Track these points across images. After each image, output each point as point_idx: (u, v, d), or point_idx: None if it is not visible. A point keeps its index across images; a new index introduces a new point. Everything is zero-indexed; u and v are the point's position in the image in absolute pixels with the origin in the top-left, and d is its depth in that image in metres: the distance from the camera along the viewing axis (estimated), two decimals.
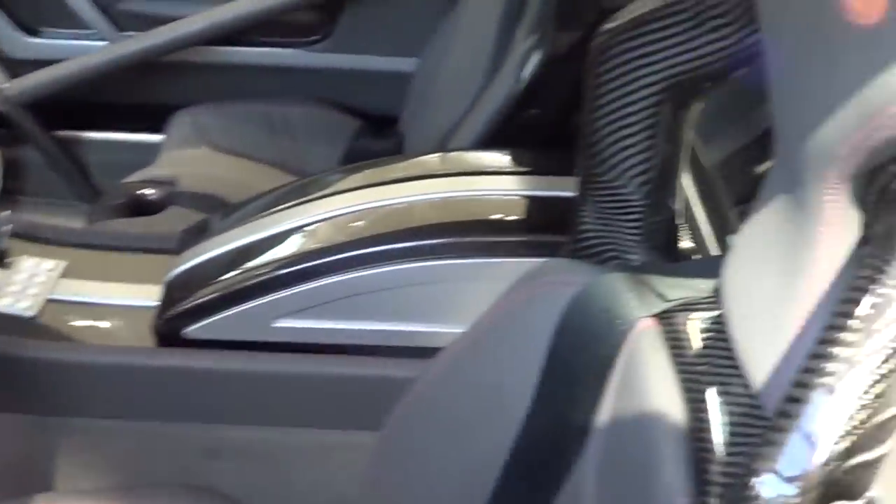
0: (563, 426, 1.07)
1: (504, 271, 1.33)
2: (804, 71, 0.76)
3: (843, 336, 0.63)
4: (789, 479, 0.61)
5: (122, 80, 2.69)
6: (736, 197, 1.51)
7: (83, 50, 2.68)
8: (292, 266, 1.63)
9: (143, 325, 1.73)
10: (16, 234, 1.88)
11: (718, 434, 0.85)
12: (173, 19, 2.62)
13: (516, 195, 1.69)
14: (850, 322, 0.63)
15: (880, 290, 0.62)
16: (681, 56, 1.05)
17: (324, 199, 1.75)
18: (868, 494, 0.69)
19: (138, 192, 2.45)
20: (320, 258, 1.62)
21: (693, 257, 1.40)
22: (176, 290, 1.72)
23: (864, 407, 0.61)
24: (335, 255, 1.62)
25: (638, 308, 1.02)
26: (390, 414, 1.36)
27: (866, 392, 0.61)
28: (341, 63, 2.69)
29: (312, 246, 1.66)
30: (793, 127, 0.78)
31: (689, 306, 1.00)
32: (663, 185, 1.14)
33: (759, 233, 0.86)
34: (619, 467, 0.97)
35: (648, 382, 0.95)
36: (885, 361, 0.61)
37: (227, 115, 2.67)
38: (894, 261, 0.62)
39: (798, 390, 0.65)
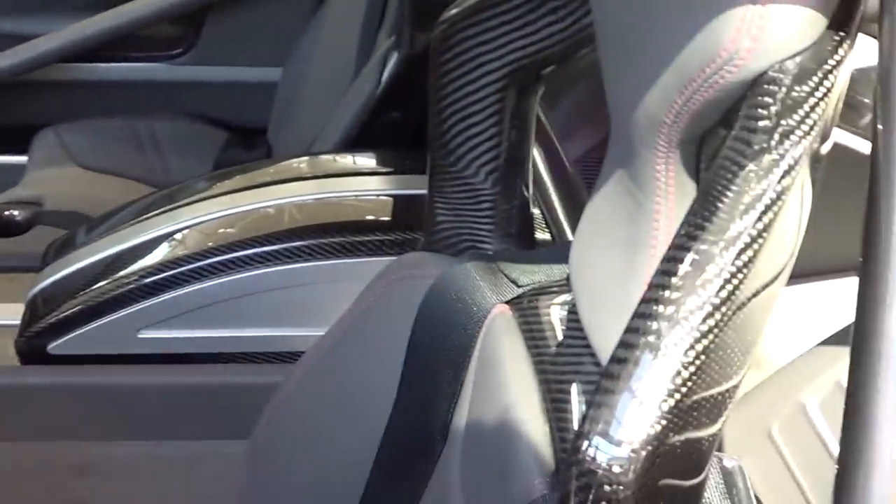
0: (427, 418, 1.07)
1: (368, 270, 1.34)
2: (626, 43, 0.77)
3: (665, 294, 0.63)
4: (619, 443, 0.61)
5: None
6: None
7: None
8: (157, 275, 1.62)
9: (4, 343, 1.70)
10: None
11: (574, 411, 0.86)
12: (33, 37, 2.58)
13: (380, 195, 1.70)
14: (671, 280, 0.63)
15: (699, 247, 0.63)
16: (521, 41, 1.05)
17: (191, 206, 1.75)
18: (705, 472, 0.70)
19: (4, 213, 2.42)
20: (185, 265, 1.61)
21: (548, 241, 1.41)
22: (39, 306, 1.70)
23: (688, 366, 0.61)
24: (200, 261, 1.61)
25: (492, 295, 1.02)
26: (257, 422, 1.36)
27: (690, 349, 0.62)
28: (206, 75, 2.69)
29: (178, 253, 1.65)
30: (621, 99, 0.78)
31: (542, 291, 1.01)
32: (513, 172, 1.14)
33: (600, 211, 0.87)
34: (481, 451, 0.97)
35: (504, 367, 0.96)
36: (707, 318, 0.62)
37: (92, 132, 2.64)
38: (714, 217, 0.63)
39: (622, 350, 0.65)
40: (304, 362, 1.30)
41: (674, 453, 0.64)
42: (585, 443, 0.62)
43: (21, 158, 2.65)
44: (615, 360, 0.63)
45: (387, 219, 1.66)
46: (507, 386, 0.94)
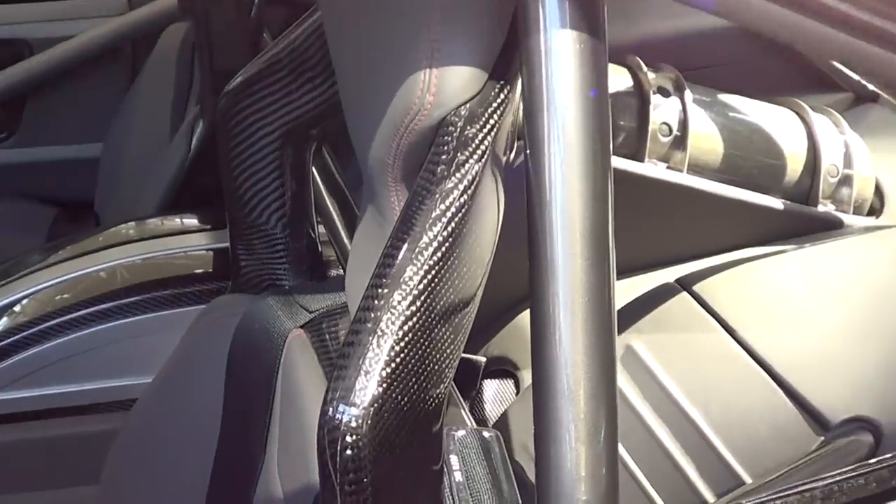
0: (247, 438, 1.24)
1: (191, 318, 1.49)
2: (355, 103, 0.96)
3: (378, 291, 0.81)
4: (354, 404, 0.79)
5: None
6: None
7: None
8: (1, 340, 1.74)
9: None
10: None
11: None
12: None
13: (199, 250, 1.84)
14: (382, 280, 0.81)
15: (400, 254, 0.81)
16: (288, 107, 1.24)
17: (28, 276, 1.85)
18: (441, 418, 0.88)
19: None
20: (26, 329, 1.73)
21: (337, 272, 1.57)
22: None
23: (399, 342, 0.79)
24: (43, 323, 1.73)
25: (288, 321, 1.20)
26: (104, 467, 1.50)
27: (399, 329, 0.80)
28: (30, 156, 2.77)
29: (20, 320, 1.76)
30: (359, 149, 0.97)
31: (329, 313, 1.20)
32: (299, 216, 1.31)
33: (360, 241, 1.04)
34: (292, 452, 1.14)
35: (302, 380, 1.14)
36: (410, 305, 0.80)
37: None
38: (410, 230, 0.81)
39: (352, 336, 0.81)
40: (138, 408, 1.45)
41: (400, 411, 0.82)
42: (330, 409, 0.80)
43: None
44: (347, 343, 0.81)
45: (208, 270, 1.81)
46: (305, 394, 1.12)
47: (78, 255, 1.89)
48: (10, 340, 1.74)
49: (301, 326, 1.19)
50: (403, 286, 0.80)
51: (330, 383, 0.80)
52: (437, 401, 0.85)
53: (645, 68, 1.50)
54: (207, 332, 1.33)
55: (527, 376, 1.51)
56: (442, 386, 0.85)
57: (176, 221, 1.96)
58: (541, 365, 0.82)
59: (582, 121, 0.77)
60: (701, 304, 1.36)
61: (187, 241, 1.88)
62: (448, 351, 0.84)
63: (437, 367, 0.83)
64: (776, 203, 1.52)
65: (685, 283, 1.39)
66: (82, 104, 2.75)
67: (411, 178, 0.90)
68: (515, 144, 0.92)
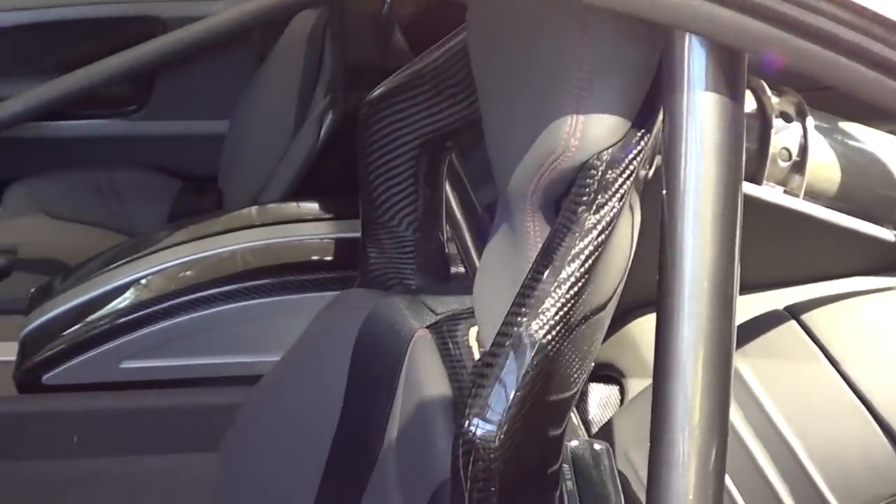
0: (367, 425, 1.30)
1: (315, 305, 1.55)
2: (499, 133, 1.02)
3: (518, 319, 0.87)
4: (489, 420, 0.86)
5: None
6: None
7: None
8: (132, 314, 1.82)
9: (4, 377, 1.89)
10: None
11: None
12: (2, 99, 2.73)
13: (323, 238, 1.91)
14: (522, 309, 0.88)
15: (540, 286, 0.88)
16: (427, 119, 1.29)
17: (153, 255, 1.94)
18: (565, 423, 0.95)
19: None
20: (156, 304, 1.82)
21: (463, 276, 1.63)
22: (29, 345, 1.89)
23: (533, 368, 0.86)
24: (169, 301, 1.81)
25: (414, 321, 1.26)
26: (224, 436, 1.57)
27: (535, 356, 0.86)
28: (159, 129, 2.85)
29: (149, 295, 1.85)
30: (499, 173, 1.03)
31: (454, 317, 1.26)
32: (430, 221, 1.37)
33: (492, 254, 1.10)
34: (409, 448, 1.20)
35: (425, 379, 1.19)
36: (546, 335, 0.86)
37: (58, 184, 2.81)
38: (550, 264, 0.88)
39: (490, 357, 0.88)
40: (263, 385, 1.51)
41: (530, 429, 0.89)
42: (467, 422, 0.87)
43: None
44: (486, 364, 0.88)
45: (329, 259, 1.87)
46: (427, 394, 1.17)
47: (202, 237, 1.97)
48: (138, 314, 1.82)
49: (426, 327, 1.25)
50: (541, 316, 0.86)
51: (468, 399, 0.87)
52: (562, 418, 0.92)
53: (769, 92, 1.53)
54: (335, 322, 1.39)
55: (633, 384, 1.56)
56: (569, 406, 0.92)
57: (300, 208, 2.04)
58: (662, 381, 0.87)
59: (717, 176, 0.83)
60: (808, 334, 1.39)
61: (310, 228, 1.95)
62: (577, 374, 0.91)
63: (566, 390, 0.90)
64: (888, 235, 1.54)
65: (794, 312, 1.43)
66: (211, 82, 2.81)
67: (548, 207, 0.96)
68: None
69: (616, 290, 0.94)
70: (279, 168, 2.19)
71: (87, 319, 1.87)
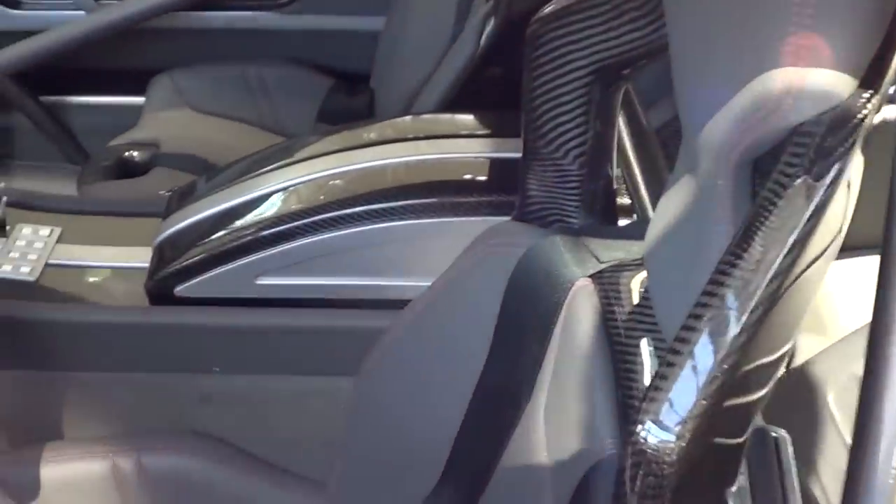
0: (514, 376, 1.20)
1: (466, 229, 1.46)
2: (693, 71, 0.89)
3: (721, 289, 0.76)
4: (669, 428, 0.74)
5: (103, 46, 2.74)
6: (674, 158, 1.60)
7: (62, 20, 2.75)
8: (273, 227, 1.73)
9: (135, 284, 1.83)
10: (12, 204, 1.99)
11: (643, 381, 0.99)
12: None
13: (478, 157, 1.80)
14: (733, 269, 0.76)
15: (756, 247, 0.75)
16: (604, 44, 1.17)
17: (301, 163, 1.85)
18: (749, 431, 0.84)
19: (125, 154, 2.55)
20: (299, 220, 1.72)
21: (631, 219, 1.52)
22: (165, 252, 1.83)
23: (721, 372, 0.74)
24: (313, 216, 1.71)
25: (576, 269, 1.15)
26: (364, 361, 1.49)
27: (746, 321, 0.74)
28: (312, 24, 2.76)
29: (291, 208, 1.76)
30: (689, 116, 0.91)
31: (620, 267, 1.13)
32: (599, 156, 1.26)
33: (671, 204, 0.99)
34: (560, 412, 1.10)
35: (584, 336, 1.08)
36: (752, 312, 0.74)
37: (204, 77, 2.76)
38: (749, 247, 0.76)
39: (686, 333, 0.77)
40: (408, 312, 1.43)
41: (719, 419, 0.78)
42: (640, 427, 0.76)
43: (138, 100, 2.79)
44: (668, 364, 0.77)
45: (485, 180, 1.76)
46: (585, 353, 1.07)
47: (353, 147, 1.87)
48: (280, 228, 1.73)
49: (589, 276, 1.14)
50: (733, 312, 0.75)
51: (648, 393, 0.75)
52: (747, 425, 0.81)
53: None
54: (488, 258, 1.29)
55: (804, 342, 1.45)
56: (757, 409, 0.80)
57: (456, 122, 1.93)
58: (875, 376, 0.78)
59: None
60: None
61: (466, 145, 1.84)
62: (771, 372, 0.79)
63: (757, 390, 0.79)
64: None
65: None
66: None
67: (746, 164, 0.84)
68: None
69: (839, 232, 0.82)
70: (435, 75, 2.09)
71: (227, 229, 1.79)
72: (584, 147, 1.25)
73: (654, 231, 1.02)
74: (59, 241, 1.95)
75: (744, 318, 0.75)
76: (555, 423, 1.11)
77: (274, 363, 1.76)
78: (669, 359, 0.76)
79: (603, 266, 1.15)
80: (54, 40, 2.73)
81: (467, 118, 1.92)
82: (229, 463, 1.69)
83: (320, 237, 1.71)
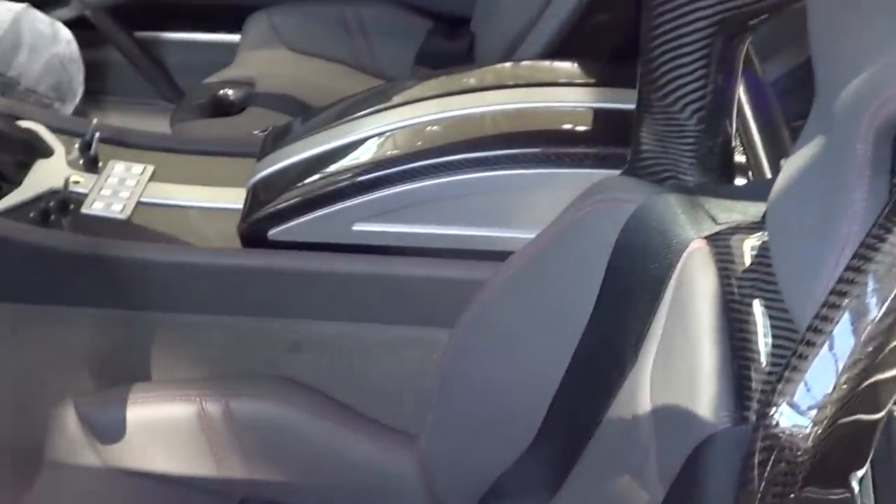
0: (619, 336, 1.17)
1: (570, 181, 1.42)
2: (828, 28, 0.84)
3: (868, 266, 0.71)
4: (804, 412, 0.69)
5: None
6: (793, 114, 1.55)
7: None
8: (370, 173, 1.69)
9: (228, 226, 1.80)
10: (105, 140, 1.97)
11: (760, 352, 0.94)
12: None
13: (584, 106, 1.74)
14: (875, 254, 0.71)
15: (871, 255, 0.70)
16: None
17: (399, 108, 1.81)
18: (885, 410, 0.78)
19: (219, 92, 2.53)
20: (397, 166, 1.68)
21: (747, 178, 1.46)
22: (259, 194, 1.79)
23: (887, 329, 0.69)
24: (411, 162, 1.67)
25: (691, 229, 1.10)
26: (459, 313, 1.45)
27: (886, 316, 0.69)
28: None
29: (389, 153, 1.72)
30: (826, 77, 0.85)
31: (738, 229, 1.08)
32: (718, 112, 1.21)
33: (800, 168, 0.93)
34: (669, 378, 1.06)
35: (698, 300, 1.03)
36: (891, 312, 0.69)
37: (301, 15, 2.73)
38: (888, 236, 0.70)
39: (828, 310, 0.72)
40: (509, 264, 1.38)
41: (858, 401, 0.73)
42: (774, 409, 0.71)
43: (233, 38, 2.76)
44: (807, 342, 0.71)
45: (591, 131, 1.70)
46: (699, 319, 1.02)
47: (452, 93, 1.83)
48: (377, 174, 1.69)
49: (704, 237, 1.09)
50: (879, 292, 0.69)
51: (777, 383, 0.70)
52: (883, 410, 0.75)
53: None
54: (597, 212, 1.23)
55: None
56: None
57: (561, 70, 1.87)
58: None
59: None
60: None
61: (570, 94, 1.78)
62: None
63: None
64: None
65: None
66: None
67: (888, 135, 0.79)
68: None
69: None
70: (540, 20, 2.03)
71: (322, 173, 1.75)
72: (702, 101, 1.20)
73: (778, 192, 0.97)
74: (151, 179, 1.93)
75: (891, 299, 0.69)
76: (662, 390, 1.07)
77: (367, 312, 1.74)
78: (808, 337, 0.71)
79: (720, 228, 1.10)
80: None
81: (572, 67, 1.86)
82: (318, 411, 1.66)
83: (419, 184, 1.67)
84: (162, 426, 1.67)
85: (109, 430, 1.66)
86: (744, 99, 1.40)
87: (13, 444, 1.85)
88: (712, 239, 1.08)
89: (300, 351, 1.76)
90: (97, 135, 1.92)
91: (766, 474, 0.72)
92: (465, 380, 1.48)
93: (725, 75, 1.18)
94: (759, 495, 0.73)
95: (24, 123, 1.97)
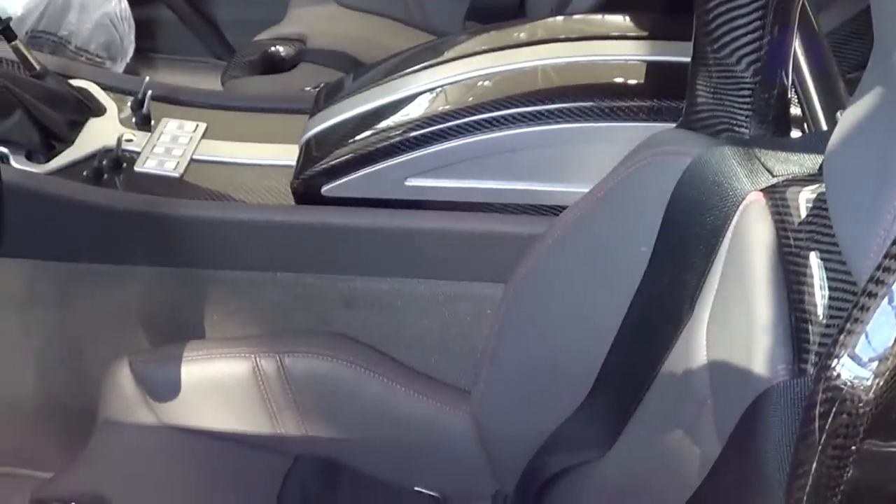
0: (674, 289, 1.16)
1: (625, 134, 1.41)
2: None
3: None
4: (865, 363, 0.69)
5: None
6: (848, 65, 1.53)
7: None
8: (423, 128, 1.68)
9: (281, 183, 1.81)
10: (157, 98, 1.97)
11: (817, 304, 0.93)
12: None
13: (638, 60, 1.72)
14: None
15: None
16: None
17: (451, 63, 1.80)
18: None
19: (270, 49, 2.53)
20: (449, 121, 1.67)
21: (803, 130, 1.44)
22: (312, 151, 1.79)
23: None
24: (464, 117, 1.66)
25: (747, 182, 1.09)
26: (515, 269, 1.45)
27: None
28: None
29: (442, 108, 1.71)
30: (888, 26, 0.84)
31: (795, 181, 1.07)
32: (774, 63, 1.19)
33: (858, 120, 0.92)
34: (726, 332, 1.05)
35: (755, 253, 1.03)
36: None
37: None
38: None
39: (890, 261, 0.71)
40: (563, 218, 1.37)
41: None
42: (835, 361, 0.70)
43: None
44: (868, 293, 0.70)
45: (645, 84, 1.68)
46: (756, 272, 1.01)
47: (502, 47, 1.81)
48: (429, 129, 1.68)
49: (761, 190, 1.08)
50: None
51: (838, 335, 0.69)
52: None
53: None
54: (651, 165, 1.23)
55: None
56: None
57: (609, 23, 1.85)
58: None
59: None
60: None
61: (622, 47, 1.76)
62: None
63: None
64: None
65: None
66: None
67: None
68: None
69: None
70: None
71: (375, 128, 1.74)
72: (758, 53, 1.19)
73: (835, 144, 0.96)
74: (204, 136, 1.93)
75: None
76: (718, 343, 1.07)
77: (421, 267, 1.73)
78: (869, 289, 0.70)
79: (776, 180, 1.09)
80: None
81: (624, 20, 1.84)
82: (372, 367, 1.66)
83: (471, 139, 1.66)
84: (216, 383, 1.68)
85: (164, 388, 1.68)
86: (799, 51, 1.38)
87: (67, 404, 1.87)
88: (769, 191, 1.08)
89: (354, 307, 1.75)
90: (149, 93, 1.92)
91: (826, 426, 0.71)
92: (519, 335, 1.48)
93: (781, 27, 1.17)
94: (819, 448, 0.72)
95: (76, 82, 1.98)
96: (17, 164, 1.83)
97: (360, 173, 1.72)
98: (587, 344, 1.33)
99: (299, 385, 1.65)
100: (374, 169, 1.71)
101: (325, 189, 1.74)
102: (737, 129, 1.23)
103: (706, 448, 1.04)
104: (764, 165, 1.10)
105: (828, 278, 0.93)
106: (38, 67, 1.89)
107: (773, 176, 1.09)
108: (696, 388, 1.09)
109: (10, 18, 1.87)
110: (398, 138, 1.70)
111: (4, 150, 1.82)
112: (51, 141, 1.86)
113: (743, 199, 1.08)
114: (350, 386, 1.67)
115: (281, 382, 1.65)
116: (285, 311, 1.78)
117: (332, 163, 1.74)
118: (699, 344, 1.11)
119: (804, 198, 1.04)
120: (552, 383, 1.44)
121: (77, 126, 1.90)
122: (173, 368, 1.66)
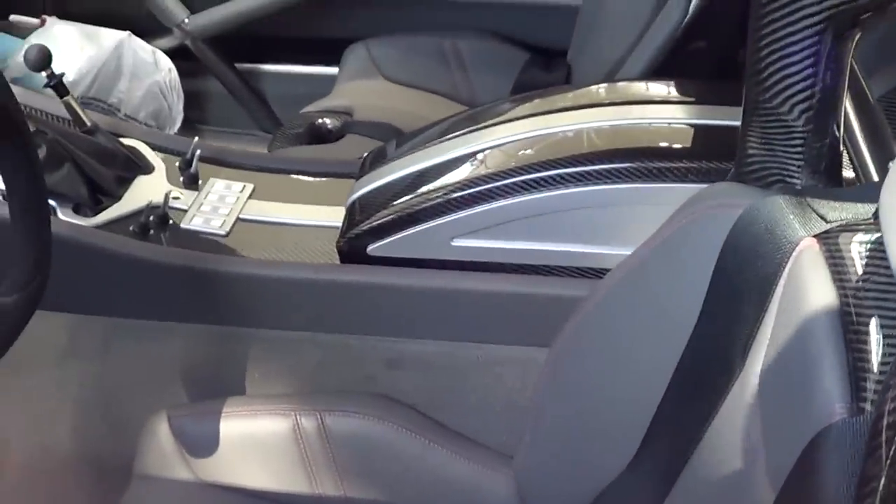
0: (726, 341, 1.14)
1: (670, 196, 1.40)
2: None
3: None
4: None
5: (299, 14, 2.78)
6: None
7: None
8: (469, 188, 1.68)
9: (326, 243, 1.80)
10: (205, 160, 1.98)
11: (875, 348, 0.91)
12: None
13: (682, 123, 1.72)
14: None
15: None
16: None
17: (495, 127, 1.81)
18: None
19: (317, 121, 2.55)
20: (496, 181, 1.67)
21: (854, 182, 1.44)
22: (358, 211, 1.79)
23: None
24: (510, 178, 1.66)
25: (800, 228, 1.08)
26: (560, 331, 1.44)
27: None
28: None
29: (486, 170, 1.70)
30: None
31: (849, 228, 1.06)
32: (826, 111, 1.19)
33: None
34: (780, 378, 1.04)
35: (810, 299, 1.01)
36: None
37: (399, 47, 2.75)
38: None
39: None
40: (610, 279, 1.36)
41: None
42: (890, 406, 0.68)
43: (332, 70, 2.80)
44: None
45: (691, 147, 1.68)
46: (810, 317, 0.99)
47: (546, 112, 1.81)
48: (473, 190, 1.68)
49: (814, 236, 1.07)
50: None
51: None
52: None
53: None
54: (702, 218, 1.22)
55: None
56: None
57: (656, 89, 1.86)
58: None
59: None
60: None
61: (670, 111, 1.77)
62: None
63: None
64: None
65: None
66: None
67: None
68: None
69: None
70: (639, 46, 2.03)
71: (420, 190, 1.74)
72: (811, 101, 1.18)
73: (890, 189, 0.94)
74: (251, 197, 1.94)
75: None
76: (772, 389, 1.06)
77: (465, 329, 1.72)
78: None
79: (830, 226, 1.08)
80: (251, 6, 2.76)
81: (669, 85, 1.85)
82: (414, 429, 1.65)
83: (517, 200, 1.65)
84: (255, 440, 1.66)
85: (202, 444, 1.67)
86: (849, 107, 1.38)
87: (103, 458, 1.86)
88: (822, 237, 1.06)
89: (397, 368, 1.75)
90: (198, 153, 1.93)
91: (891, 453, 0.69)
92: (564, 398, 1.47)
93: (833, 74, 1.16)
94: (888, 462, 0.70)
95: (126, 141, 1.99)
96: (65, 216, 1.83)
97: (406, 233, 1.72)
98: (636, 401, 1.31)
99: (339, 445, 1.64)
100: (420, 228, 1.71)
101: (371, 249, 1.74)
102: (789, 179, 1.22)
103: (761, 498, 1.02)
104: (817, 213, 1.10)
105: (885, 326, 0.92)
106: (88, 124, 1.90)
107: (827, 222, 1.08)
108: (749, 439, 1.08)
109: (62, 74, 1.88)
110: (444, 198, 1.70)
111: (52, 202, 1.82)
112: (98, 196, 1.87)
113: (796, 245, 1.07)
114: (391, 447, 1.65)
115: (321, 441, 1.64)
116: (327, 370, 1.77)
117: (379, 222, 1.74)
118: (751, 393, 1.09)
119: (859, 242, 1.03)
120: (598, 444, 1.42)
121: (125, 182, 1.91)
122: (212, 424, 1.65)
